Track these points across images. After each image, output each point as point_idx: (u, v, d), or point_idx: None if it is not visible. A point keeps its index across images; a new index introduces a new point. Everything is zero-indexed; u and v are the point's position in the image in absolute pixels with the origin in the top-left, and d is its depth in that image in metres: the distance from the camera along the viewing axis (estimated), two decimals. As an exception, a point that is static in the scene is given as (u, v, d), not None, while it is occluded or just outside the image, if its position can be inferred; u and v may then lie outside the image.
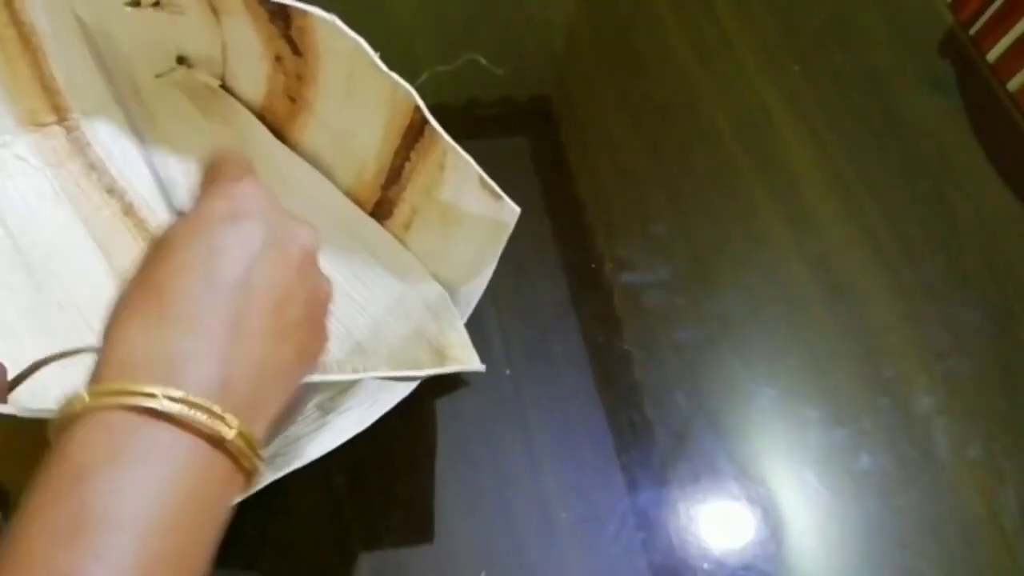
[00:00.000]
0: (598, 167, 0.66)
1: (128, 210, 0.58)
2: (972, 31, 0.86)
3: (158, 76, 0.61)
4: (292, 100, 0.57)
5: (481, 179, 0.49)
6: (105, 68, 0.57)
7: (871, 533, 0.53)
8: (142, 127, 0.60)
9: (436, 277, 0.54)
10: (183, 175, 0.57)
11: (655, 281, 0.61)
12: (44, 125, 0.58)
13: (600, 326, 0.58)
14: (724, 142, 0.69)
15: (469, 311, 0.51)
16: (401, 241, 0.56)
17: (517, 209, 0.49)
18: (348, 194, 0.58)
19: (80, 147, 0.59)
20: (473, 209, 0.50)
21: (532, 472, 0.52)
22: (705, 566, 0.50)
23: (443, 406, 0.53)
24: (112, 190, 0.58)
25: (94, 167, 0.58)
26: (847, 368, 0.59)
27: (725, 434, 0.55)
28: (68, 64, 0.56)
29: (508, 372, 0.55)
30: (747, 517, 0.52)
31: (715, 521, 0.52)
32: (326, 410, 0.49)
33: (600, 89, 0.71)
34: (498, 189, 0.49)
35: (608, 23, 0.75)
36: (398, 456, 0.52)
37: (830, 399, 0.57)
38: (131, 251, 0.56)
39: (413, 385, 0.49)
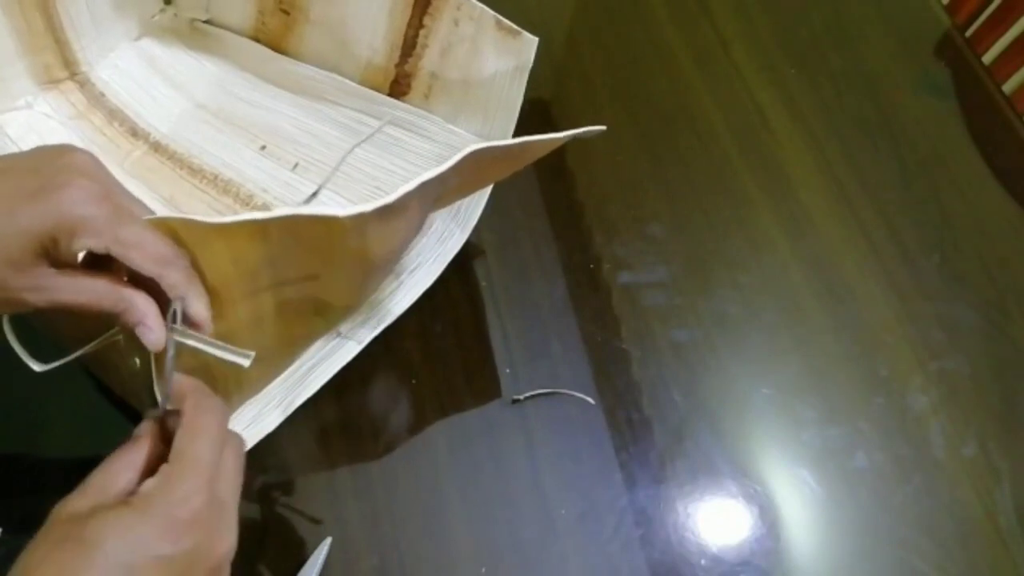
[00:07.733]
0: (596, 169, 0.66)
1: (157, 147, 0.60)
2: (968, 33, 0.87)
3: (152, 18, 0.64)
4: (286, 12, 0.60)
5: (497, 21, 0.51)
6: (101, 16, 0.59)
7: (867, 531, 0.53)
8: (145, 70, 0.63)
9: (466, 130, 0.57)
10: (191, 110, 0.61)
11: (653, 281, 0.61)
12: (59, 81, 0.60)
13: (598, 326, 0.58)
14: (721, 144, 0.69)
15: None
16: (424, 109, 0.59)
17: (535, 39, 0.50)
18: (361, 84, 0.60)
19: (96, 98, 0.61)
20: (492, 54, 0.52)
21: (531, 470, 0.52)
22: (703, 562, 0.51)
23: (443, 405, 0.54)
24: (136, 132, 0.60)
25: (114, 115, 0.60)
26: (843, 368, 0.59)
27: (722, 432, 0.55)
28: (73, 13, 0.58)
29: (508, 371, 0.55)
30: (744, 514, 0.53)
31: (712, 518, 0.52)
32: (397, 273, 0.54)
33: (598, 91, 0.72)
34: (514, 25, 0.51)
35: (606, 26, 0.76)
36: (399, 455, 0.52)
37: (826, 398, 0.58)
38: (170, 180, 0.59)
39: (467, 233, 0.55)
